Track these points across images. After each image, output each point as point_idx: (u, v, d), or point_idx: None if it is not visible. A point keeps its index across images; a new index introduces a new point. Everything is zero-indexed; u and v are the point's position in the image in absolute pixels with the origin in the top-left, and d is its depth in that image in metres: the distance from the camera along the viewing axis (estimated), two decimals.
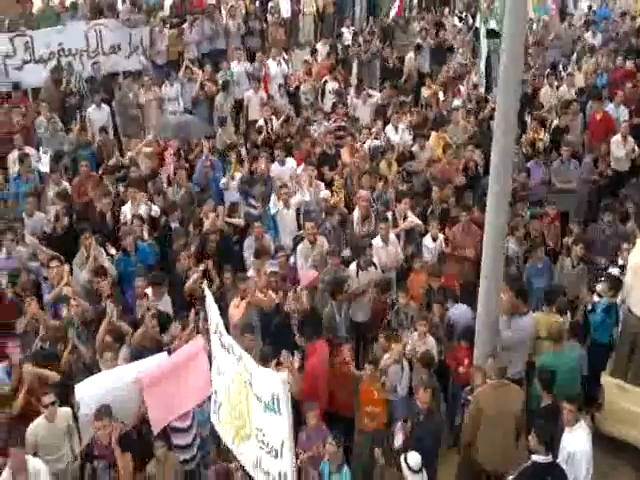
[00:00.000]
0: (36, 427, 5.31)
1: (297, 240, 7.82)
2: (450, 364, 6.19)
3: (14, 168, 8.94)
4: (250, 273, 7.00)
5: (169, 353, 5.69)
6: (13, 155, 9.18)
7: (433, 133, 9.54)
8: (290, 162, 9.13)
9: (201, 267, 6.99)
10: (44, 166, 9.15)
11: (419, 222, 7.76)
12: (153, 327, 6.17)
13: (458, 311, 6.48)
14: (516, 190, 7.86)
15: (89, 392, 5.40)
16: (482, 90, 10.45)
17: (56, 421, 5.33)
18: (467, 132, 9.61)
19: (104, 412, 5.16)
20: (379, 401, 5.71)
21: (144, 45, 12.04)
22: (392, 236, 7.32)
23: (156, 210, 8.14)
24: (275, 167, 9.15)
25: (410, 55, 12.33)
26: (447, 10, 14.79)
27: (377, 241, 7.28)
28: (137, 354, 5.95)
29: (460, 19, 13.54)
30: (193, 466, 5.53)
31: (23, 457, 4.97)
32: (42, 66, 11.13)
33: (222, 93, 11.07)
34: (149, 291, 6.76)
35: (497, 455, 5.33)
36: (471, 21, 13.39)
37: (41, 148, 9.43)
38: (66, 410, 5.40)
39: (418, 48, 12.35)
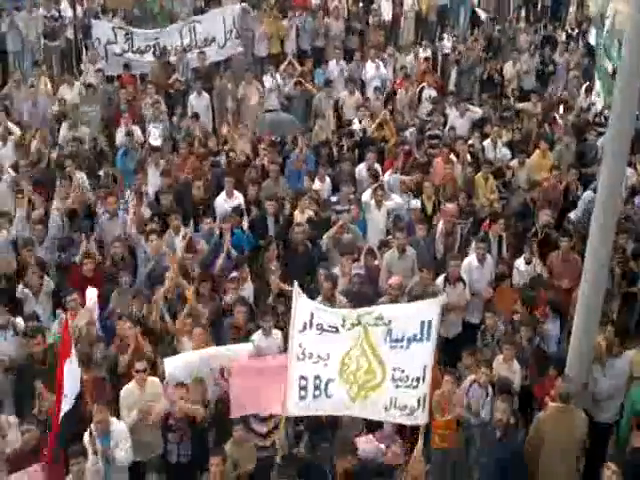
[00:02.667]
0: (127, 391, 5.53)
1: (382, 243, 7.73)
2: (537, 392, 5.93)
3: (121, 145, 9.32)
4: (336, 270, 6.95)
5: None
6: (119, 133, 9.56)
7: (537, 151, 9.17)
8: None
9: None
10: (155, 140, 9.47)
11: None
12: (240, 319, 6.26)
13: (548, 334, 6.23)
14: (620, 221, 7.42)
15: (181, 368, 5.60)
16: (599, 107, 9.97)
17: (146, 388, 5.52)
18: (572, 155, 9.19)
19: (183, 384, 5.36)
20: (450, 423, 5.51)
21: (237, 26, 12.07)
22: (489, 258, 7.09)
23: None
24: (361, 168, 9.09)
25: (513, 69, 11.92)
26: (555, 26, 14.19)
27: (472, 260, 7.07)
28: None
29: (568, 36, 12.97)
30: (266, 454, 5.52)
31: (107, 417, 5.15)
32: (139, 56, 11.58)
33: (322, 91, 11.08)
34: (234, 274, 6.89)
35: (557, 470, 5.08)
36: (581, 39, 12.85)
37: (152, 124, 9.76)
38: (155, 379, 5.61)
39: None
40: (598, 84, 9.92)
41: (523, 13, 15.17)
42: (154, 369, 5.85)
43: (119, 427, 5.24)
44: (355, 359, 4.62)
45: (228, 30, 12.09)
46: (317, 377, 4.71)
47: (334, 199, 8.54)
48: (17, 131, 9.51)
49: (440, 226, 7.65)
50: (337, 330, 4.65)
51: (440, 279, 6.82)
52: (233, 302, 6.49)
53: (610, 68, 9.61)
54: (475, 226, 7.86)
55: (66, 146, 9.25)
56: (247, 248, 7.56)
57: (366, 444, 5.34)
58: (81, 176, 8.42)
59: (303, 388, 4.71)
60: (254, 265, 7.35)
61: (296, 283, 4.93)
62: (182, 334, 6.14)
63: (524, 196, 8.46)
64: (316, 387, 4.71)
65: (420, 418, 4.70)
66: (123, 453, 5.14)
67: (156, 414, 5.42)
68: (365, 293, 6.76)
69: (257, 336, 6.21)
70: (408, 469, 4.89)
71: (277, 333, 6.25)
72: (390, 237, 7.70)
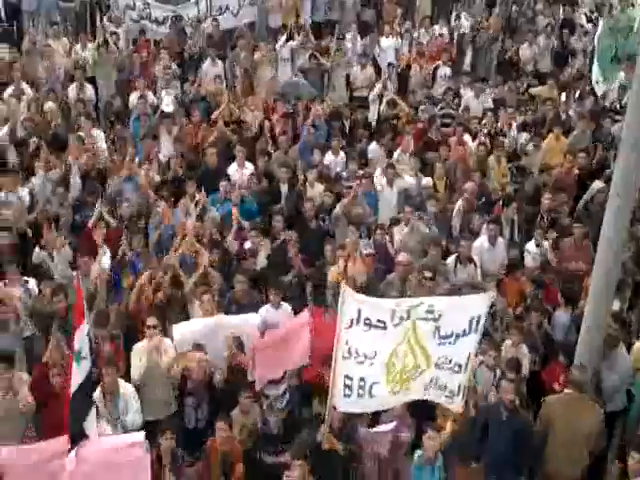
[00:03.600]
0: (139, 347, 5.61)
1: (393, 221, 7.75)
2: (545, 379, 6.00)
3: (134, 109, 9.27)
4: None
5: None
6: (133, 97, 9.50)
7: (550, 135, 9.14)
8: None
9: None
10: (167, 106, 9.40)
11: None
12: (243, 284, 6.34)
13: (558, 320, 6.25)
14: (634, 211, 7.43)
15: (186, 334, 5.68)
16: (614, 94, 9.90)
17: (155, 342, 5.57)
18: (587, 141, 9.15)
19: (201, 346, 5.42)
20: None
21: None
22: (500, 239, 7.12)
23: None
24: (373, 147, 9.08)
25: (529, 50, 11.78)
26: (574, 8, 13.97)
27: (482, 241, 7.10)
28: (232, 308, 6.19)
29: (589, 20, 12.80)
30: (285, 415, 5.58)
31: (116, 379, 5.24)
32: (155, 25, 11.49)
33: (334, 63, 10.96)
34: (247, 244, 6.93)
35: (566, 470, 5.17)
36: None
37: (165, 90, 9.69)
38: (166, 339, 5.67)
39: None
40: (596, 69, 9.80)
41: None
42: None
43: (128, 389, 5.32)
44: (402, 357, 4.58)
45: None
46: (362, 379, 4.63)
47: (345, 174, 8.55)
48: (30, 92, 9.43)
49: (458, 204, 7.66)
50: (385, 326, 4.52)
51: (451, 258, 6.87)
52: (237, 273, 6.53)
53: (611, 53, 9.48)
54: (487, 207, 7.89)
55: (74, 107, 9.22)
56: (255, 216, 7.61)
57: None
58: (98, 134, 8.39)
59: (348, 387, 4.66)
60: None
61: (343, 282, 4.87)
62: (194, 299, 6.18)
63: (537, 180, 8.46)
64: (360, 387, 4.65)
65: (456, 403, 4.74)
66: (131, 416, 5.22)
67: (166, 363, 5.48)
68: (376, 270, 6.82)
69: (265, 309, 6.28)
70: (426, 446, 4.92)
71: (286, 306, 6.33)
72: (401, 214, 7.75)
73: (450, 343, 4.56)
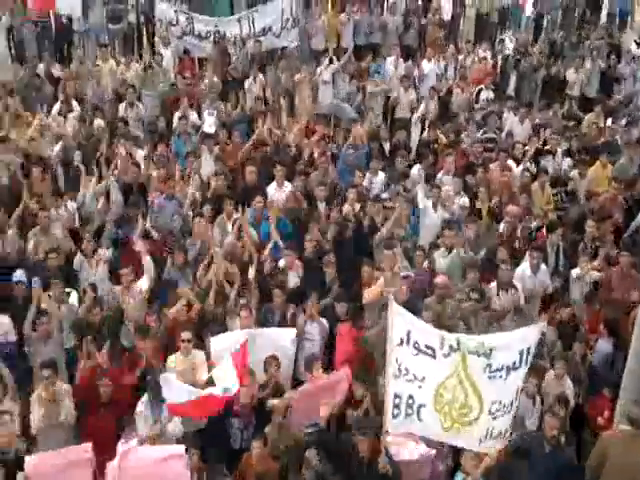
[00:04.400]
0: (173, 359, 5.71)
1: (432, 245, 7.63)
2: (590, 412, 5.77)
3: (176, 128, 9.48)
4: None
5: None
6: (176, 116, 9.73)
7: (597, 162, 8.92)
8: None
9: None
10: (209, 127, 9.56)
11: None
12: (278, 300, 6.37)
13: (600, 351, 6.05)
14: None
15: (226, 347, 5.66)
16: None
17: (189, 358, 5.67)
18: (634, 168, 8.89)
19: (251, 373, 5.39)
20: None
21: (294, 16, 12.18)
22: (543, 267, 6.95)
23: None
24: (415, 170, 8.99)
25: (576, 75, 11.60)
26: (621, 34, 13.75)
27: (524, 268, 6.93)
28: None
29: (638, 45, 12.55)
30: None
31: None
32: (198, 40, 11.75)
33: (373, 85, 10.99)
34: (281, 262, 6.94)
35: None
36: None
37: (207, 110, 9.86)
38: (200, 352, 5.74)
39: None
40: None
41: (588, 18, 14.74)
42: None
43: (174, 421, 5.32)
44: (451, 389, 4.43)
45: (285, 19, 12.20)
46: (411, 397, 4.53)
47: (385, 196, 8.49)
48: (78, 109, 9.73)
49: (502, 227, 7.53)
50: (434, 354, 4.39)
51: (493, 285, 6.71)
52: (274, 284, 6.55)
53: None
54: (530, 234, 7.70)
55: (122, 125, 9.45)
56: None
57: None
58: (140, 154, 8.58)
59: (397, 406, 4.55)
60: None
61: (391, 296, 4.76)
62: (234, 315, 6.21)
63: (582, 207, 8.24)
64: (409, 406, 4.54)
65: (505, 439, 4.62)
66: (172, 425, 5.24)
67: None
68: (415, 293, 6.70)
69: (302, 320, 6.31)
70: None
71: (322, 320, 6.35)
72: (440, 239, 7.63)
73: (501, 377, 4.39)
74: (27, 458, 4.43)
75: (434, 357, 4.40)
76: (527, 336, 4.47)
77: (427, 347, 4.42)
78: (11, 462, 4.73)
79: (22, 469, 4.55)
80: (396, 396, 4.55)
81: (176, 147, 9.22)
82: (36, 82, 10.18)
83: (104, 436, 5.06)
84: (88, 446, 4.59)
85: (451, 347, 4.37)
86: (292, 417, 5.46)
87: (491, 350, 4.36)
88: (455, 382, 4.42)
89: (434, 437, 4.76)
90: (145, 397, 5.30)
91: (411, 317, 4.56)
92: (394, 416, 4.58)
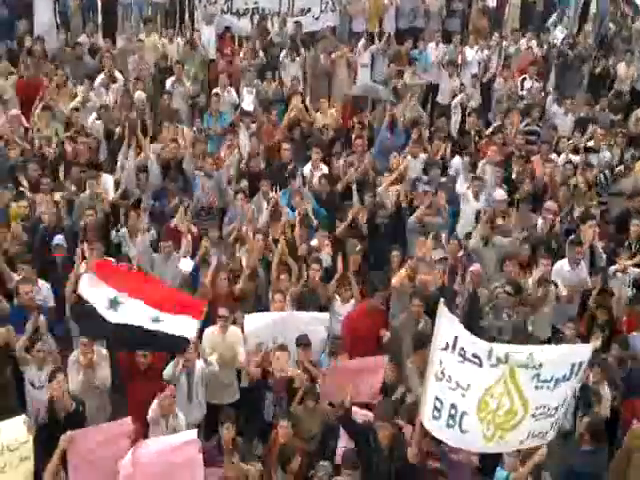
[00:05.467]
0: (210, 334, 5.75)
1: (467, 235, 7.51)
2: (625, 414, 5.66)
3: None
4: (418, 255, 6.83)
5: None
6: (215, 92, 9.71)
7: None
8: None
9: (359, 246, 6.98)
10: (247, 105, 9.53)
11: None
12: (316, 277, 6.40)
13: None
14: None
15: (258, 326, 5.73)
16: None
17: (227, 335, 5.70)
18: None
19: (285, 347, 5.44)
20: None
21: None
22: (583, 263, 6.81)
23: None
24: (456, 160, 8.87)
25: (627, 70, 11.23)
26: None
27: (563, 264, 6.80)
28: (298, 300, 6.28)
29: None
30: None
31: (195, 356, 5.38)
32: (237, 18, 11.62)
33: (410, 76, 10.83)
34: (313, 242, 6.97)
35: None
36: None
37: (246, 88, 9.82)
38: (237, 329, 5.78)
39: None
40: None
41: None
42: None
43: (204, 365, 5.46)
44: (497, 397, 4.28)
45: (325, 1, 12.02)
46: (453, 406, 4.35)
47: (425, 179, 8.36)
48: (121, 79, 9.75)
49: (540, 223, 7.41)
50: (480, 363, 4.22)
51: (531, 279, 6.59)
52: (310, 260, 6.58)
53: None
54: (569, 230, 7.54)
55: (168, 100, 9.46)
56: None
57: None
58: (182, 128, 8.61)
59: (437, 409, 4.43)
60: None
61: (442, 300, 4.58)
62: (275, 291, 6.24)
63: (625, 204, 8.01)
64: (451, 416, 4.36)
65: (549, 437, 4.50)
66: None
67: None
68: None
69: (336, 303, 6.39)
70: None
71: (352, 302, 6.40)
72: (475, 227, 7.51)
73: (549, 388, 4.25)
74: (65, 434, 4.47)
75: (480, 366, 4.25)
76: (579, 352, 4.37)
77: (474, 356, 4.26)
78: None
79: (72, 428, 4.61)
80: (437, 399, 4.43)
81: (207, 124, 9.17)
82: (78, 53, 10.24)
83: (143, 404, 5.10)
84: (127, 421, 4.64)
85: (499, 359, 4.23)
86: (321, 393, 5.43)
87: (541, 364, 4.21)
88: (502, 389, 4.27)
89: (473, 449, 4.66)
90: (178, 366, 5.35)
91: (459, 325, 4.41)
92: (434, 417, 4.47)
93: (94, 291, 4.94)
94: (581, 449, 5.03)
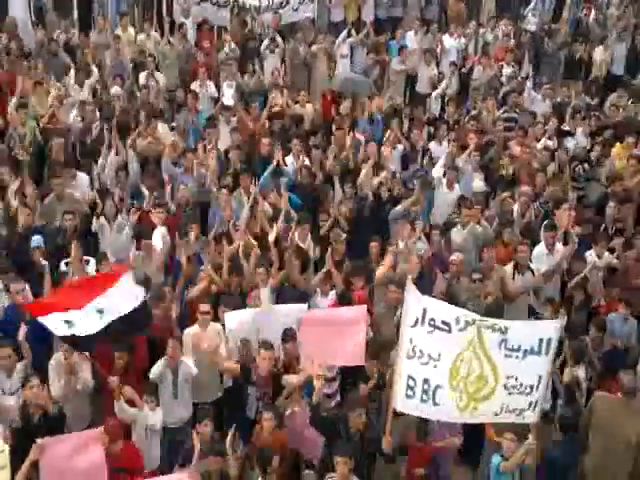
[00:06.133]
0: (190, 332, 5.74)
1: (449, 224, 7.59)
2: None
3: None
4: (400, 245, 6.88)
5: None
6: (194, 86, 9.70)
7: (618, 144, 8.77)
8: (446, 144, 8.83)
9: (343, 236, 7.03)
10: (228, 100, 9.49)
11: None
12: (294, 265, 6.41)
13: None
14: None
15: (238, 324, 5.73)
16: None
17: (208, 331, 5.69)
18: None
19: (269, 345, 5.41)
20: None
21: None
22: (559, 245, 6.89)
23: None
24: (433, 146, 8.93)
25: (601, 53, 11.34)
26: None
27: (540, 248, 6.89)
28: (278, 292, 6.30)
29: None
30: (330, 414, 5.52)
31: (179, 353, 5.40)
32: (216, 8, 11.51)
33: (396, 60, 10.85)
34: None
35: (605, 473, 5.01)
36: None
37: (226, 82, 9.77)
38: (217, 325, 5.77)
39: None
40: None
41: None
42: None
43: (187, 363, 5.46)
44: (467, 362, 4.42)
45: None
46: (426, 381, 4.48)
47: (406, 175, 8.41)
48: (96, 74, 9.67)
49: (515, 208, 7.47)
50: (449, 329, 4.39)
51: (509, 266, 6.68)
52: (290, 253, 6.60)
53: None
54: (547, 214, 7.63)
55: (141, 94, 9.42)
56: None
57: None
58: (162, 126, 8.54)
59: (411, 388, 4.54)
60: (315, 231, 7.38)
61: (409, 277, 4.76)
62: (257, 284, 6.25)
63: (602, 188, 8.12)
64: (424, 391, 4.50)
65: (529, 418, 4.53)
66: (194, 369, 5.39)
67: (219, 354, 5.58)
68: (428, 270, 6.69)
69: (315, 296, 6.38)
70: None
71: (332, 294, 6.38)
72: (455, 215, 7.58)
73: (517, 357, 4.37)
74: (38, 440, 4.47)
75: (450, 332, 4.41)
76: (545, 327, 4.46)
77: (443, 323, 4.42)
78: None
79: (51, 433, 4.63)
80: (410, 377, 4.53)
81: (183, 121, 9.05)
82: (54, 49, 10.14)
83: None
84: (100, 431, 4.66)
85: (467, 322, 4.39)
86: (304, 350, 5.46)
87: (507, 328, 4.36)
88: (471, 354, 4.42)
89: (449, 419, 4.74)
90: (162, 363, 5.39)
91: (427, 297, 4.57)
92: (407, 396, 4.57)
93: (49, 320, 5.02)
94: (553, 439, 5.16)
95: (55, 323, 4.95)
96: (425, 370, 4.48)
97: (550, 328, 4.41)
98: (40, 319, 5.03)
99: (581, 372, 5.72)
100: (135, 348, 5.53)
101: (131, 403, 5.17)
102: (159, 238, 6.69)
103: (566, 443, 5.13)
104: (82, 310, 5.01)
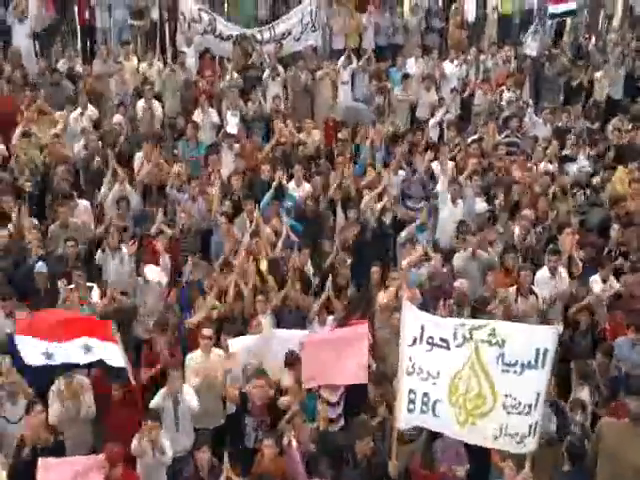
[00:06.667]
0: (193, 357, 5.73)
1: (452, 249, 7.55)
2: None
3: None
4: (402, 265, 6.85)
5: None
6: (196, 113, 9.77)
7: (620, 167, 8.78)
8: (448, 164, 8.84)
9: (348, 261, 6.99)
10: (232, 128, 9.55)
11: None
12: (296, 288, 6.43)
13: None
14: None
15: (243, 349, 5.71)
16: None
17: (211, 356, 5.66)
18: None
19: (264, 373, 5.39)
20: None
21: (314, 19, 12.08)
22: (562, 270, 6.86)
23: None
24: (435, 166, 8.93)
25: (601, 78, 11.42)
26: None
27: (543, 272, 6.85)
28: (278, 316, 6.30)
29: None
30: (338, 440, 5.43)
31: (181, 383, 5.32)
32: (218, 40, 11.72)
33: (398, 89, 10.95)
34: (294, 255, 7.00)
35: None
36: None
37: (230, 111, 9.87)
38: (220, 350, 5.75)
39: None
40: None
41: (615, 23, 14.51)
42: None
43: (189, 394, 5.37)
44: (465, 380, 4.46)
45: (305, 23, 12.13)
46: (425, 394, 4.55)
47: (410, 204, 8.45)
48: (95, 111, 9.71)
49: (516, 232, 7.43)
50: (448, 346, 4.45)
51: (512, 290, 6.62)
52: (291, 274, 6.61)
53: None
54: (550, 239, 7.59)
55: (141, 124, 9.49)
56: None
57: None
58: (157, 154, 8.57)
59: (412, 401, 4.59)
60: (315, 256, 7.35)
61: (404, 296, 4.82)
62: (256, 313, 6.25)
63: (604, 212, 8.10)
64: (424, 403, 4.57)
65: (529, 445, 4.46)
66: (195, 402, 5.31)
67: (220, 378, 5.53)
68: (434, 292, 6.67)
69: (313, 324, 6.36)
70: None
71: (330, 319, 6.37)
72: (457, 242, 7.54)
73: (515, 372, 4.35)
74: (40, 460, 4.46)
75: (448, 349, 4.45)
76: (543, 335, 4.40)
77: (441, 340, 4.47)
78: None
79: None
80: (411, 392, 4.58)
81: (182, 150, 9.13)
82: (56, 79, 10.25)
83: (121, 433, 5.06)
84: (102, 458, 4.65)
85: (464, 337, 4.41)
86: (305, 371, 5.44)
87: (504, 341, 4.35)
88: (469, 372, 4.43)
89: (449, 433, 4.73)
90: (163, 392, 5.31)
91: (424, 313, 4.64)
92: (409, 411, 4.61)
93: (27, 350, 5.04)
94: (560, 469, 5.03)
95: (31, 349, 4.96)
96: (425, 385, 4.54)
97: (546, 336, 4.37)
98: (18, 338, 5.03)
99: (585, 394, 5.65)
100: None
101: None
102: (159, 270, 6.65)
103: (575, 473, 5.00)
104: (65, 343, 5.03)
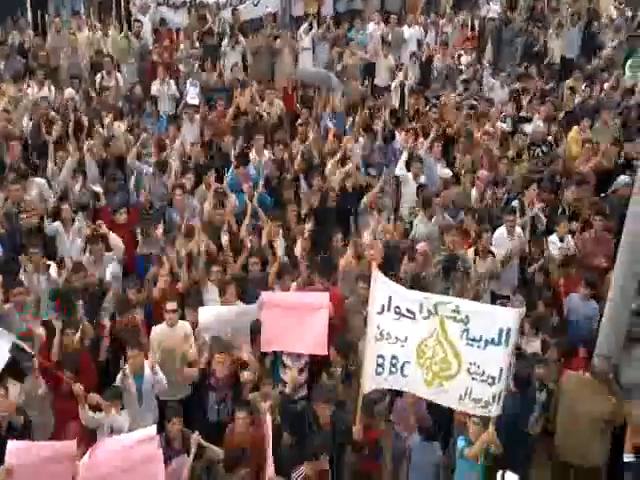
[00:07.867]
0: (158, 331, 5.69)
1: (412, 212, 7.69)
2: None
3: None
4: (365, 236, 6.95)
5: None
6: (155, 85, 9.62)
7: (575, 127, 8.97)
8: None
9: (307, 226, 7.05)
10: (192, 99, 9.43)
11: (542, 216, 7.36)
12: (255, 264, 6.43)
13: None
14: None
15: (212, 319, 5.69)
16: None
17: (176, 329, 5.66)
18: (613, 133, 8.94)
19: (225, 345, 5.37)
20: None
21: None
22: (518, 229, 7.03)
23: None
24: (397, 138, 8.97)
25: (557, 40, 11.55)
26: None
27: (501, 232, 7.01)
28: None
29: (618, 9, 12.49)
30: (299, 408, 5.55)
31: (142, 359, 5.31)
32: (173, 11, 11.44)
33: (349, 56, 10.89)
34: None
35: (573, 447, 5.21)
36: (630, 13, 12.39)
37: (189, 81, 9.71)
38: (185, 322, 5.75)
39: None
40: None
41: None
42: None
43: (156, 370, 5.36)
44: (432, 347, 4.60)
45: None
46: (394, 357, 4.68)
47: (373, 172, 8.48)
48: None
49: (473, 193, 7.59)
50: (414, 316, 4.58)
51: (470, 251, 6.79)
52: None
53: None
54: (508, 200, 7.76)
55: (101, 95, 9.27)
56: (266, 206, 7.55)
57: None
58: (118, 125, 8.44)
59: (380, 365, 4.72)
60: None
61: (374, 265, 4.87)
62: (206, 283, 6.23)
63: (555, 170, 8.28)
64: (393, 365, 4.70)
65: (493, 411, 4.58)
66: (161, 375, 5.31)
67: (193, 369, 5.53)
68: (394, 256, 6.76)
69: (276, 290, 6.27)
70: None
71: (294, 285, 6.26)
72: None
73: (479, 347, 4.47)
74: (10, 443, 4.36)
75: (414, 319, 4.58)
76: (506, 316, 4.49)
77: (408, 311, 4.59)
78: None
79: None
80: (379, 357, 4.70)
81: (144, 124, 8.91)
82: (6, 51, 9.92)
83: (69, 418, 5.07)
84: (72, 444, 4.53)
85: (429, 311, 4.54)
86: (264, 334, 5.48)
87: (467, 317, 4.47)
88: (435, 342, 4.58)
89: (417, 392, 4.87)
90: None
91: (392, 283, 4.71)
92: (377, 373, 4.74)
93: None
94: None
95: None
96: (393, 348, 4.67)
97: (510, 317, 4.47)
98: None
99: (537, 345, 5.87)
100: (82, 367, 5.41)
101: (95, 408, 5.11)
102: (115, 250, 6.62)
103: (515, 395, 5.24)
104: None
